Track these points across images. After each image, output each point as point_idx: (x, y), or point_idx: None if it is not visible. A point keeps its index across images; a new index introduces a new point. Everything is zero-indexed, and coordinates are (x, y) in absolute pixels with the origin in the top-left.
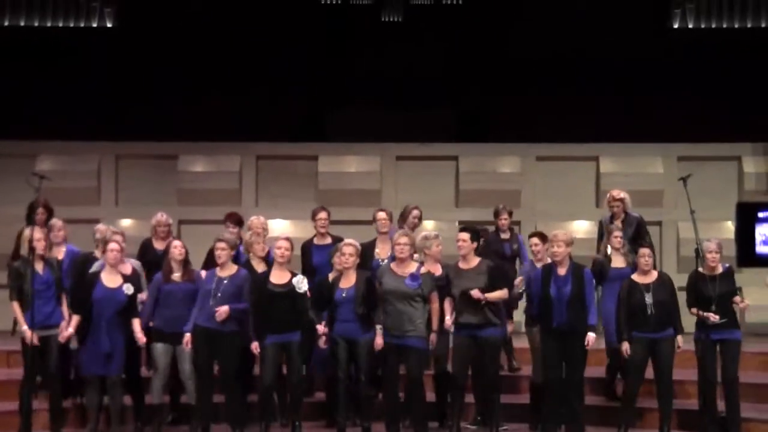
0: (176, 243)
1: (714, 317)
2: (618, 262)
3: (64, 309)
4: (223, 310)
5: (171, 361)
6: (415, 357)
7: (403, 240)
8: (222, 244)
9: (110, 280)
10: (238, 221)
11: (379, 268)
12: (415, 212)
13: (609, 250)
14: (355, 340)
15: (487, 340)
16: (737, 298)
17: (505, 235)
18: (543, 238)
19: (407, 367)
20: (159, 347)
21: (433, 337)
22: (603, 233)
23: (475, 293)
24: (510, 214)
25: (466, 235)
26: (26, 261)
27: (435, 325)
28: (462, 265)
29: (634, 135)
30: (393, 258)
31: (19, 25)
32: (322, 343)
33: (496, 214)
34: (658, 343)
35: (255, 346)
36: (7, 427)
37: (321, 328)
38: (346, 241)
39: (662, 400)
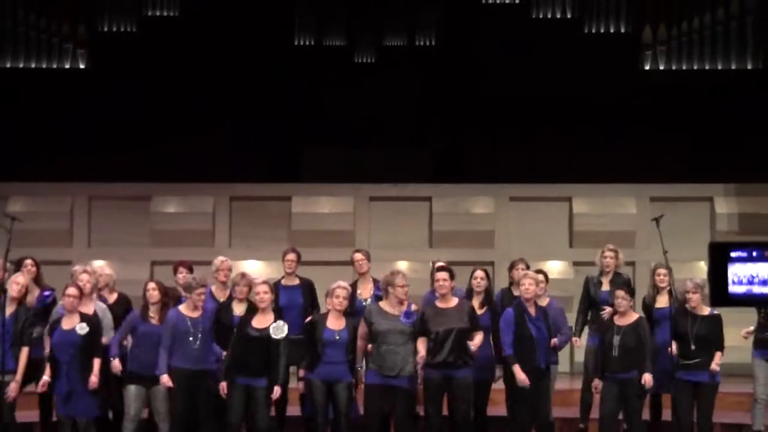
0: (149, 285)
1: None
2: (662, 301)
3: (21, 361)
4: (277, 392)
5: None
6: (407, 397)
7: (401, 281)
8: (202, 290)
9: (68, 322)
10: (189, 267)
11: (367, 308)
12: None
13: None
14: (337, 382)
15: (461, 380)
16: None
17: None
18: None
19: (398, 408)
20: (132, 390)
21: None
22: (589, 291)
23: (473, 347)
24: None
25: (445, 275)
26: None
27: (420, 364)
28: (441, 304)
29: (607, 175)
30: (376, 298)
31: None
32: (276, 392)
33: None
34: (625, 384)
35: (222, 387)
36: None
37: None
38: (339, 284)
39: None
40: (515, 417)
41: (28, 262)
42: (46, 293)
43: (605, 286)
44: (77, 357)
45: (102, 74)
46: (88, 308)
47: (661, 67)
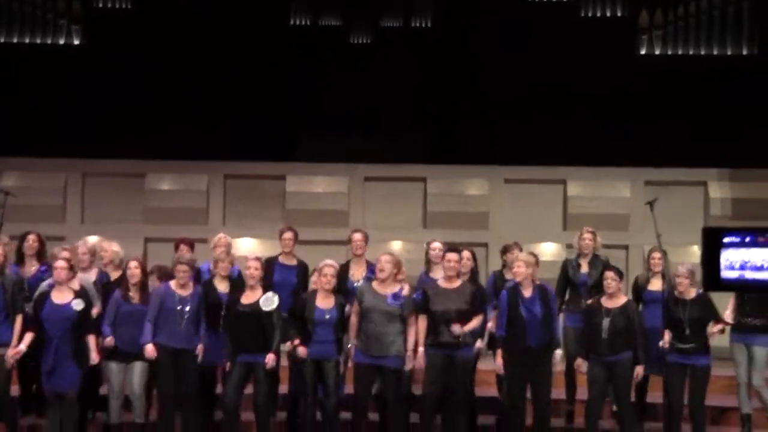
0: (131, 263)
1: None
2: (655, 284)
3: (15, 334)
4: (271, 359)
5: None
6: (394, 377)
7: (385, 259)
8: (184, 267)
9: (60, 296)
10: (190, 245)
11: (359, 286)
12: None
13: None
14: (326, 360)
15: (461, 360)
16: (712, 326)
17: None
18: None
19: (386, 388)
20: (113, 366)
21: (408, 356)
22: (567, 273)
23: (456, 329)
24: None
25: (456, 256)
26: None
27: (410, 345)
28: (444, 284)
29: (602, 159)
30: (368, 279)
31: None
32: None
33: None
34: (614, 366)
35: (228, 366)
36: None
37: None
38: (326, 262)
39: (623, 423)
40: (510, 398)
41: (31, 237)
42: (43, 268)
43: (584, 268)
44: (69, 332)
45: (97, 51)
46: (74, 283)
47: (657, 52)
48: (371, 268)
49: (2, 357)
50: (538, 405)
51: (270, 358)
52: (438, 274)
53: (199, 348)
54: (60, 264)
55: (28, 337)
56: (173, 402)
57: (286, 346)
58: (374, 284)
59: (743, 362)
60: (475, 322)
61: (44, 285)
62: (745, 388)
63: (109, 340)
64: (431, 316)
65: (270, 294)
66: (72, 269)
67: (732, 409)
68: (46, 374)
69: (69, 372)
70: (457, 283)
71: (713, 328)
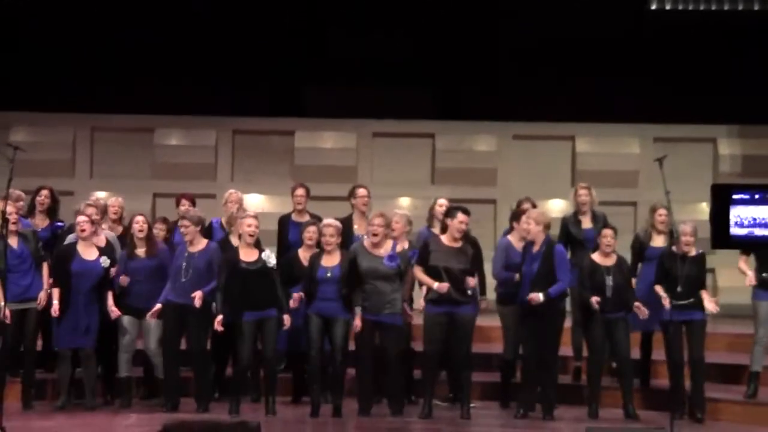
0: (138, 218)
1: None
2: (658, 241)
3: (44, 280)
4: (198, 296)
5: (138, 335)
6: (393, 334)
7: (377, 221)
8: (185, 222)
9: (86, 252)
10: (191, 200)
11: (353, 247)
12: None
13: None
14: (332, 318)
15: (462, 317)
16: (706, 295)
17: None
18: None
19: (385, 344)
20: (125, 321)
21: (405, 307)
22: (569, 231)
23: (470, 281)
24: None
25: (467, 218)
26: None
27: (407, 296)
28: (448, 242)
29: (611, 115)
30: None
31: None
32: (287, 321)
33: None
34: (613, 324)
35: (218, 321)
36: None
37: (295, 298)
38: (327, 221)
39: (622, 379)
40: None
41: (44, 192)
42: (59, 224)
43: (586, 224)
44: (95, 289)
45: (106, 4)
46: (99, 239)
47: (668, 7)
48: None
49: (31, 311)
50: (540, 358)
51: (287, 319)
52: (438, 230)
53: (197, 294)
54: (82, 219)
55: (56, 292)
56: (177, 357)
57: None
58: (366, 244)
59: (764, 319)
60: (474, 280)
61: (71, 237)
62: (762, 347)
63: (124, 278)
64: (430, 271)
65: (267, 251)
66: (94, 224)
67: (736, 366)
68: (73, 332)
69: (92, 328)
70: (460, 243)
71: (708, 301)
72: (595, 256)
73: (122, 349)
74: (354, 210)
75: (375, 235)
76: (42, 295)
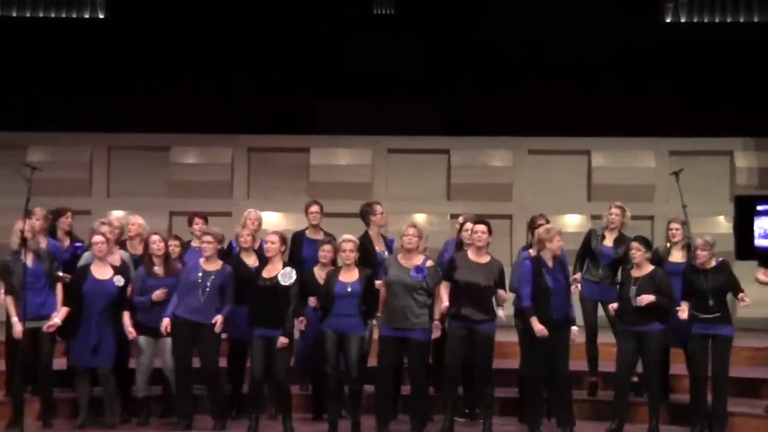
0: (154, 238)
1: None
2: (676, 255)
3: (59, 298)
4: (219, 321)
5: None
6: (417, 350)
7: (412, 231)
8: (208, 237)
9: (100, 272)
10: (204, 218)
11: (387, 259)
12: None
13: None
14: (347, 335)
15: (483, 333)
16: (742, 295)
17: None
18: None
19: (411, 359)
20: (142, 340)
21: (435, 325)
22: (590, 243)
23: (503, 294)
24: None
25: (485, 228)
26: (17, 254)
27: (436, 315)
28: (474, 257)
29: (626, 129)
30: (390, 251)
31: (11, 16)
32: (281, 343)
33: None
34: (643, 337)
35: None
36: (1, 417)
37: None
38: (345, 237)
39: (650, 394)
40: (531, 369)
41: (69, 213)
42: (78, 244)
43: (608, 242)
44: (109, 308)
45: (122, 24)
46: (114, 258)
47: (683, 20)
48: (390, 240)
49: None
50: (559, 376)
51: (281, 342)
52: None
53: (218, 319)
54: (98, 238)
55: (64, 311)
56: (189, 374)
57: (298, 321)
58: (399, 257)
59: None
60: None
61: (85, 258)
62: None
63: (159, 293)
64: (455, 286)
65: (288, 269)
66: (109, 243)
67: (756, 380)
68: (85, 349)
69: (109, 347)
70: (486, 259)
71: (743, 302)
72: (632, 270)
73: (139, 369)
74: (371, 227)
75: (409, 242)
76: (53, 316)
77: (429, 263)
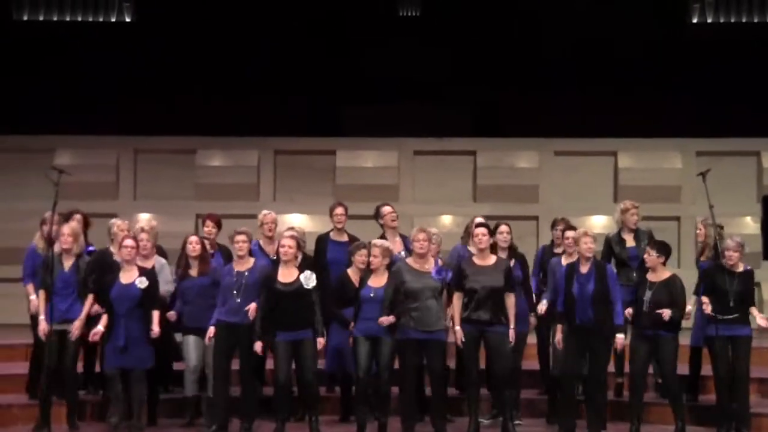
0: (192, 239)
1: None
2: (704, 256)
3: (86, 307)
4: (252, 308)
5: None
6: (439, 351)
7: (422, 236)
8: (243, 237)
9: (126, 276)
10: (216, 222)
11: (396, 268)
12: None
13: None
14: (378, 338)
15: (493, 336)
16: (754, 310)
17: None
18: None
19: (431, 362)
20: (191, 341)
21: (456, 330)
22: (612, 250)
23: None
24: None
25: (485, 230)
26: (59, 257)
27: (456, 320)
28: (479, 261)
29: (653, 130)
30: (408, 252)
31: (38, 20)
32: (320, 344)
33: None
34: (656, 342)
35: (259, 346)
36: (27, 420)
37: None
38: (375, 241)
39: (670, 396)
40: (563, 370)
41: (78, 216)
42: (90, 248)
43: (630, 243)
44: (135, 309)
45: (149, 28)
46: (148, 262)
47: (709, 20)
48: (407, 241)
49: (68, 332)
50: (590, 379)
51: (321, 343)
52: (473, 249)
53: (252, 307)
54: (129, 243)
55: (104, 319)
56: (227, 376)
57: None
58: (410, 262)
59: None
60: (511, 300)
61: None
62: None
63: (171, 314)
64: (467, 294)
65: (308, 272)
66: (143, 250)
67: None
68: (115, 351)
69: (141, 349)
70: (492, 260)
71: (760, 318)
72: (648, 273)
73: (188, 370)
74: (385, 230)
75: (421, 248)
76: (77, 324)
77: (440, 263)
